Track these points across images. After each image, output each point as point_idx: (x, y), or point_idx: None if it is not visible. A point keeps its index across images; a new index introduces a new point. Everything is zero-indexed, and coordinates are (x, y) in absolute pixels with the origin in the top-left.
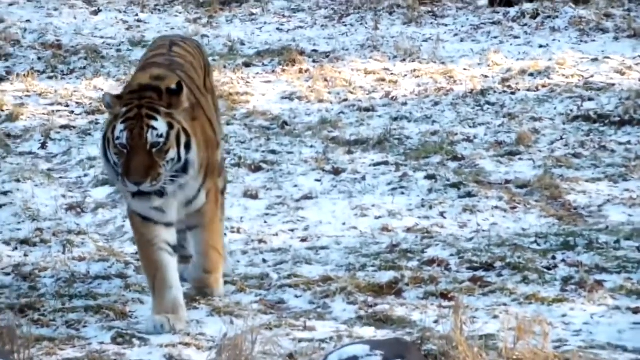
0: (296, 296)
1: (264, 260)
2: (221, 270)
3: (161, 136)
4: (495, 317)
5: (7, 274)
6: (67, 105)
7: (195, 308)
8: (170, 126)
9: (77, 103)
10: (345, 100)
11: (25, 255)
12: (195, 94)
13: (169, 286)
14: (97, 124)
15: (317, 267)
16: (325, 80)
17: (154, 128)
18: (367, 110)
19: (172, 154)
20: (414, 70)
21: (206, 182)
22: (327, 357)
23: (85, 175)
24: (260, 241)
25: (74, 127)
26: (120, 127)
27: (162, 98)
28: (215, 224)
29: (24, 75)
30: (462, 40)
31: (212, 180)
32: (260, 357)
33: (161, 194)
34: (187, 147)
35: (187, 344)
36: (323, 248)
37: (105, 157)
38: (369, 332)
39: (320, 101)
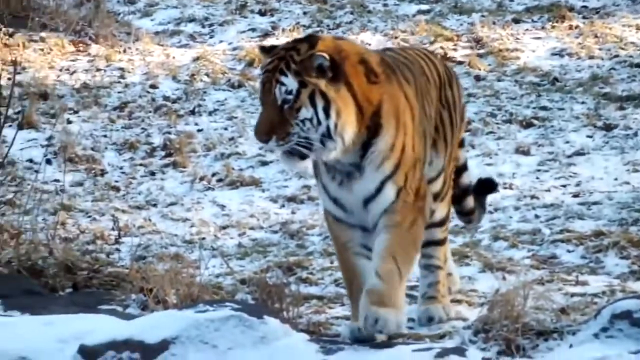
0: (568, 251)
1: (536, 216)
2: (398, 288)
3: (290, 93)
4: None
5: (275, 232)
6: None
7: (467, 264)
8: (302, 84)
9: None
10: (616, 56)
11: (293, 212)
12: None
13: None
14: None
15: (589, 222)
16: (596, 36)
17: (282, 84)
18: (638, 66)
19: (306, 113)
20: None
21: (396, 176)
22: (600, 312)
23: None
24: (533, 197)
25: None
26: (260, 80)
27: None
28: (406, 231)
29: (289, 29)
30: None
31: (409, 177)
32: (532, 312)
33: (302, 156)
34: (326, 112)
35: (458, 301)
36: (595, 203)
37: None
38: None
39: (591, 57)
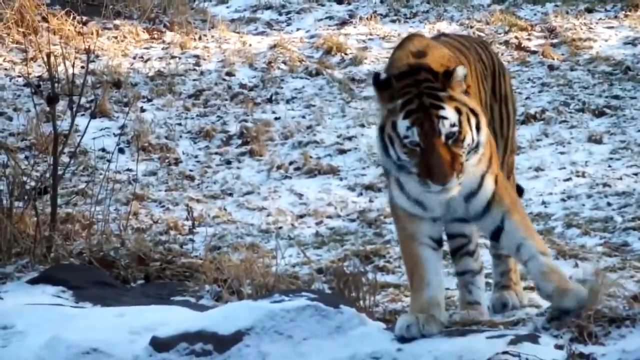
0: None
1: (609, 204)
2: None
3: (454, 125)
4: None
5: (352, 220)
6: None
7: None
8: (459, 111)
9: None
10: None
11: (371, 201)
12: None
13: (426, 283)
14: None
15: None
16: None
17: (445, 117)
18: None
19: (469, 139)
20: None
21: (492, 167)
22: None
23: None
24: (605, 185)
25: None
26: (404, 123)
27: (438, 79)
28: (521, 208)
29: (367, 18)
30: None
31: (496, 160)
32: (604, 300)
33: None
34: (478, 128)
35: (532, 288)
36: None
37: (385, 152)
38: None
39: None
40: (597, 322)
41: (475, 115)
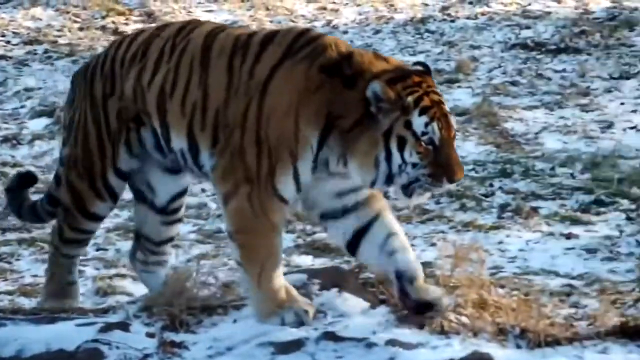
0: None
1: (203, 190)
2: None
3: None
4: (433, 244)
5: None
6: (3, 35)
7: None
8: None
9: (13, 33)
10: None
11: None
12: None
13: (281, 271)
14: (34, 54)
15: None
16: (267, 8)
17: (450, 113)
18: None
19: None
20: None
21: None
22: None
23: (22, 107)
24: None
25: (10, 58)
26: (421, 120)
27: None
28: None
29: None
30: None
31: None
32: (198, 288)
33: None
34: None
35: (122, 275)
36: None
37: (386, 159)
38: (306, 260)
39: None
40: (190, 310)
41: None
